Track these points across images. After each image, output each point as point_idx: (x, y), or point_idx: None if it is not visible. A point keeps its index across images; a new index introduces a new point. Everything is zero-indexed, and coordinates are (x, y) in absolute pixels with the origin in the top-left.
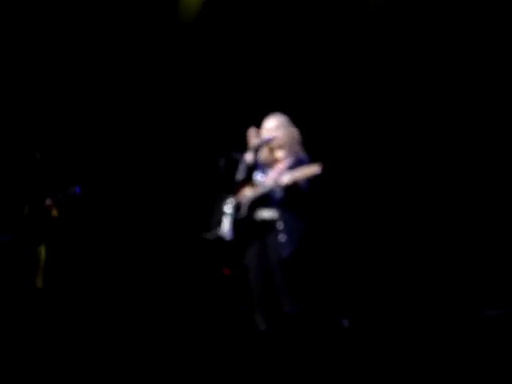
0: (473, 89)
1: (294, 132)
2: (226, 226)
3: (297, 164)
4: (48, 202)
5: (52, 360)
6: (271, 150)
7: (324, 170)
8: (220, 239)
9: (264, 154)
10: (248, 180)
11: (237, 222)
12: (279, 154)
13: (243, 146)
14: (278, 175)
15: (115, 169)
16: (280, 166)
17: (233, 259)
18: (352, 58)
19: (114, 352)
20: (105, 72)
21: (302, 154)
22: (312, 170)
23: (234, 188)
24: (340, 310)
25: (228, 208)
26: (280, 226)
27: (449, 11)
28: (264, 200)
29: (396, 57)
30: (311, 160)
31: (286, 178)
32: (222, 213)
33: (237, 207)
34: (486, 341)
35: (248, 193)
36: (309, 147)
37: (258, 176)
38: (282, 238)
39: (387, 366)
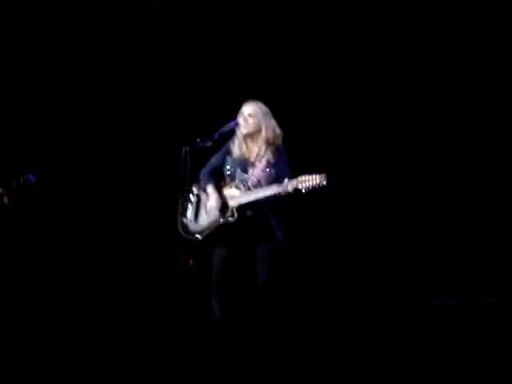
0: (471, 89)
1: (274, 124)
2: (191, 215)
3: (277, 162)
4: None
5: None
6: (247, 141)
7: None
8: (186, 229)
9: (239, 146)
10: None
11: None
12: (255, 146)
13: (206, 133)
14: (264, 174)
15: (72, 158)
16: (260, 164)
17: (197, 249)
18: (348, 59)
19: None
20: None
21: (282, 150)
22: (319, 180)
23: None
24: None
25: (193, 197)
26: (272, 222)
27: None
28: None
29: (392, 58)
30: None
31: (291, 187)
32: (188, 202)
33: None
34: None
35: (238, 195)
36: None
37: (237, 170)
38: (275, 233)
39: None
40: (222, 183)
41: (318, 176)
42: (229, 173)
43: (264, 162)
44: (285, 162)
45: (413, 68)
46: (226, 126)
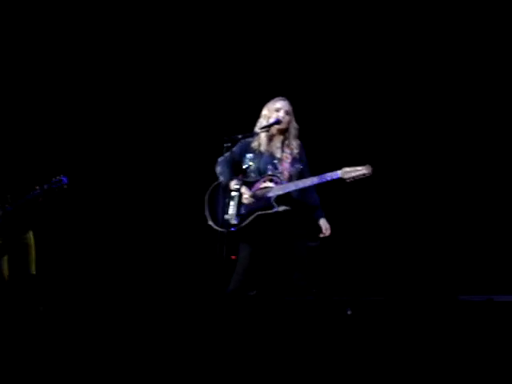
0: (472, 91)
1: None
2: (232, 209)
3: (300, 158)
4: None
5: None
6: (276, 136)
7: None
8: (227, 224)
9: (267, 142)
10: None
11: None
12: (281, 142)
13: (245, 129)
14: (293, 169)
15: (107, 158)
16: (288, 160)
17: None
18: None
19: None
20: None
21: (302, 146)
22: (366, 171)
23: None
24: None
25: (234, 192)
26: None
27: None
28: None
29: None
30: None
31: (335, 176)
32: (225, 200)
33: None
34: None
35: (274, 185)
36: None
37: (267, 166)
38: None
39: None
40: (250, 178)
41: (363, 167)
42: (256, 168)
43: (290, 157)
44: (306, 160)
45: (414, 72)
46: (269, 122)
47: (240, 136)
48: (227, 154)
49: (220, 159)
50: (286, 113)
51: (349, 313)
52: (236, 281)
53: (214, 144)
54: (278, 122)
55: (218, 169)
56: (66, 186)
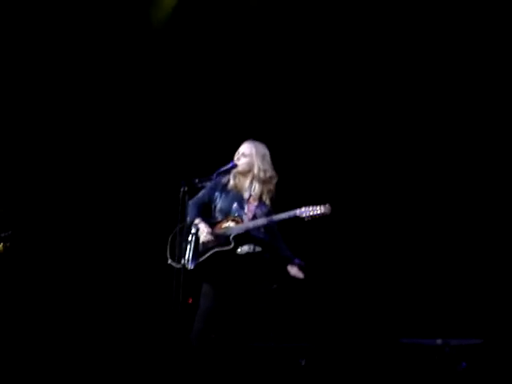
0: (471, 93)
1: (267, 167)
2: (188, 254)
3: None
4: None
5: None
6: (240, 178)
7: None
8: (184, 267)
9: (234, 182)
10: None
11: (217, 254)
12: (247, 184)
13: (205, 173)
14: (259, 210)
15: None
16: (254, 202)
17: (195, 287)
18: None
19: None
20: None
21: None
22: (323, 210)
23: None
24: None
25: (190, 237)
26: (265, 260)
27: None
28: (247, 234)
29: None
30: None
31: (293, 214)
32: (185, 241)
33: (197, 237)
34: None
35: (234, 225)
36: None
37: (233, 205)
38: (267, 272)
39: None
40: (216, 219)
41: (322, 206)
42: (221, 207)
43: (258, 200)
44: (270, 204)
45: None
46: (225, 166)
47: (197, 180)
48: (199, 195)
49: (191, 200)
50: (243, 155)
51: (302, 364)
52: (197, 325)
53: (172, 188)
54: (233, 166)
55: (188, 210)
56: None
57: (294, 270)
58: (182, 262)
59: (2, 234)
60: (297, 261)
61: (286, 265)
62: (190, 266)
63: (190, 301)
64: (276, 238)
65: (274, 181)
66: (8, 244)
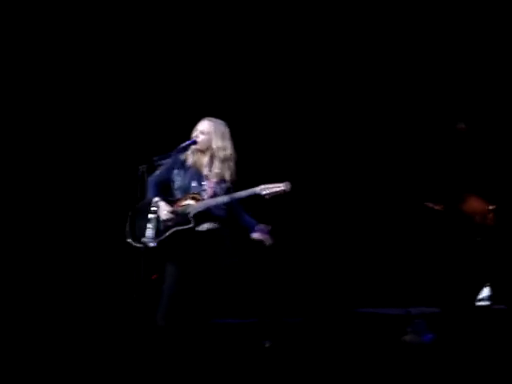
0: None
1: (226, 145)
2: (149, 232)
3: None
4: None
5: None
6: (199, 155)
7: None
8: (144, 245)
9: (192, 159)
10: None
11: (176, 232)
12: (205, 161)
13: (164, 151)
14: (218, 187)
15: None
16: (214, 179)
17: (158, 264)
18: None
19: None
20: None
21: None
22: (283, 188)
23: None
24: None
25: (150, 215)
26: (226, 235)
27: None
28: (207, 211)
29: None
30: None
31: (252, 192)
32: (145, 219)
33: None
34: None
35: (194, 203)
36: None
37: (192, 182)
38: (229, 246)
39: None
40: (175, 196)
41: (281, 184)
42: (180, 185)
43: (217, 177)
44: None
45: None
46: (184, 143)
47: (156, 158)
48: (157, 172)
49: (149, 178)
50: (201, 133)
51: (267, 345)
52: (162, 305)
53: (131, 166)
54: (193, 142)
55: (147, 188)
56: None
57: (256, 234)
58: (143, 240)
59: None
60: (260, 226)
61: (250, 232)
62: (152, 244)
63: (155, 277)
64: (237, 211)
65: (234, 158)
66: None
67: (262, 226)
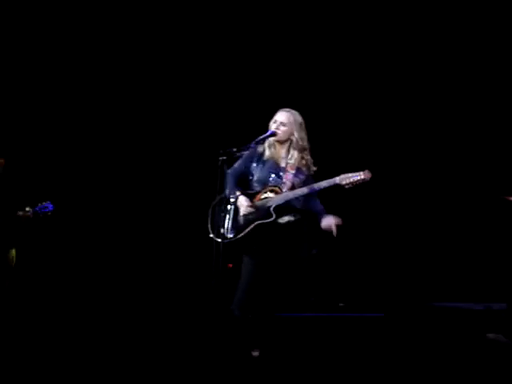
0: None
1: (303, 136)
2: (229, 225)
3: (307, 179)
4: (20, 213)
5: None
6: (277, 147)
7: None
8: (224, 238)
9: (270, 152)
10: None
11: (259, 225)
12: (285, 153)
13: (242, 143)
14: (297, 179)
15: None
16: (292, 170)
17: (235, 257)
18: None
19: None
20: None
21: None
22: (363, 176)
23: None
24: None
25: (229, 207)
26: (305, 227)
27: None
28: (287, 204)
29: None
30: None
31: (333, 182)
32: (225, 213)
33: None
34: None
35: (274, 196)
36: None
37: (270, 175)
38: (307, 239)
39: None
40: (254, 189)
41: (361, 172)
42: (259, 178)
43: (295, 167)
44: (309, 173)
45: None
46: (263, 135)
47: (235, 149)
48: (236, 165)
49: (228, 171)
50: (282, 124)
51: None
52: (238, 296)
53: (211, 158)
54: (272, 134)
55: (225, 181)
56: (50, 213)
57: (325, 223)
58: (222, 231)
59: None
60: (329, 217)
61: (319, 222)
62: (230, 235)
63: (231, 266)
64: (311, 199)
65: (306, 151)
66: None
67: (330, 217)
